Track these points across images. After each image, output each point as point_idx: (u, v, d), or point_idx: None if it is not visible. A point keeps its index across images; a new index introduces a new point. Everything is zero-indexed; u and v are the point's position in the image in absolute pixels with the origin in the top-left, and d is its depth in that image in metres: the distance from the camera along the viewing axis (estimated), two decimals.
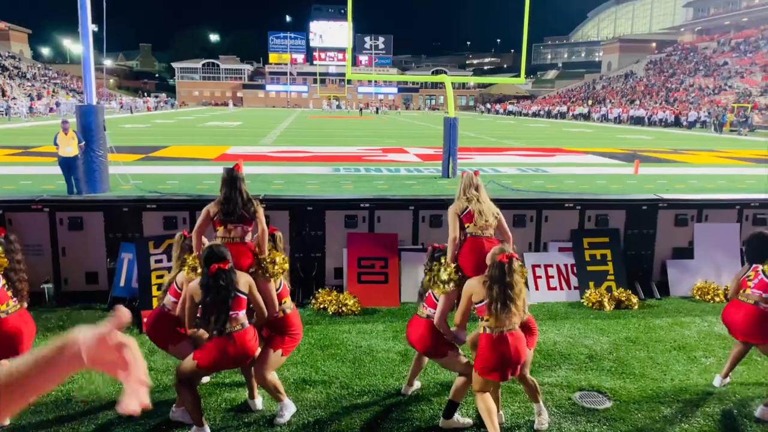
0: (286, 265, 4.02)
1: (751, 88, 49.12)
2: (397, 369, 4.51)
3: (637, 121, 47.89)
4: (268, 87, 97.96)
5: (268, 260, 3.88)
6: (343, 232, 6.19)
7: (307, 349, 4.81)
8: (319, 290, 5.92)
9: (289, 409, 3.88)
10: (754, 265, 4.07)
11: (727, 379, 4.30)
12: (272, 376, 3.84)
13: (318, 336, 5.13)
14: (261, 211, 3.96)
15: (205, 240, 3.91)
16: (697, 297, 6.26)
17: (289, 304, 3.91)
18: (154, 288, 5.51)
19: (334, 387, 4.21)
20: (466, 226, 4.05)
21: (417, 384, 4.20)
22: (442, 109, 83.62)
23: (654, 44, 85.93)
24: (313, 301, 5.83)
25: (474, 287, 3.51)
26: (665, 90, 59.81)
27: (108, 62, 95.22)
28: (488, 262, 3.49)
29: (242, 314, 3.56)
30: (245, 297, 3.57)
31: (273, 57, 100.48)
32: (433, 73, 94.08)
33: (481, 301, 3.47)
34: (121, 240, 5.93)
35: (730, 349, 4.35)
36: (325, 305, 5.73)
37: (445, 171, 14.24)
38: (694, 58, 67.20)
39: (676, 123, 44.26)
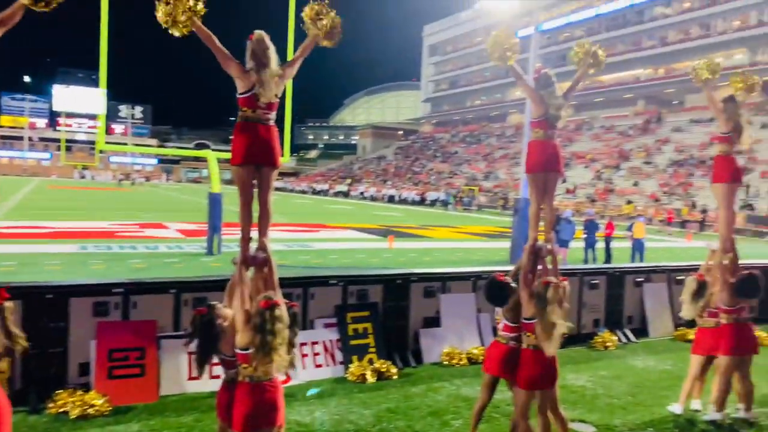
0: None
1: (476, 174, 57.83)
2: None
3: (390, 199, 52.63)
4: None
5: None
6: (92, 322, 5.53)
7: None
8: (59, 391, 5.13)
9: None
10: (497, 310, 4.69)
11: None
12: None
13: None
14: None
15: None
16: (445, 362, 6.92)
17: None
18: None
19: None
20: (242, 109, 3.74)
21: None
22: (206, 181, 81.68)
23: (401, 132, 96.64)
24: (51, 404, 5.01)
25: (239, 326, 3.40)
26: (411, 172, 67.16)
27: None
28: (252, 309, 3.42)
29: None
30: None
31: (6, 119, 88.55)
32: (195, 145, 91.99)
33: (245, 348, 3.34)
34: None
35: (473, 408, 4.85)
36: (67, 408, 4.97)
37: (209, 248, 13.80)
38: (433, 145, 77.14)
39: (421, 201, 49.63)
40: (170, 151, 62.68)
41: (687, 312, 5.46)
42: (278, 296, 3.54)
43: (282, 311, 3.35)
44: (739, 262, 5.57)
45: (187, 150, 56.93)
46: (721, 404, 5.35)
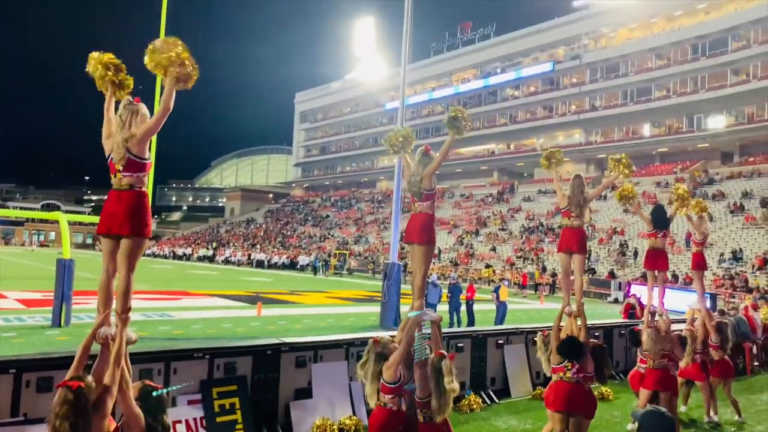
0: None
1: (347, 238, 58.58)
2: None
3: (259, 263, 51.35)
4: None
5: None
6: None
7: None
8: None
9: None
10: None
11: None
12: None
13: None
14: None
15: None
16: None
17: None
18: None
19: None
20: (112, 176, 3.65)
21: None
22: (54, 245, 74.62)
23: (271, 195, 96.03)
24: None
25: None
26: (282, 236, 66.44)
27: None
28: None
29: None
30: None
31: None
32: (43, 206, 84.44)
33: None
34: None
35: None
36: None
37: (56, 319, 12.50)
38: (304, 209, 77.28)
39: (292, 266, 49.01)
40: (12, 212, 56.46)
41: (543, 367, 5.98)
42: (115, 377, 3.33)
43: (72, 395, 3.04)
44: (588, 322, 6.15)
45: (31, 211, 51.88)
46: None
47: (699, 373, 7.91)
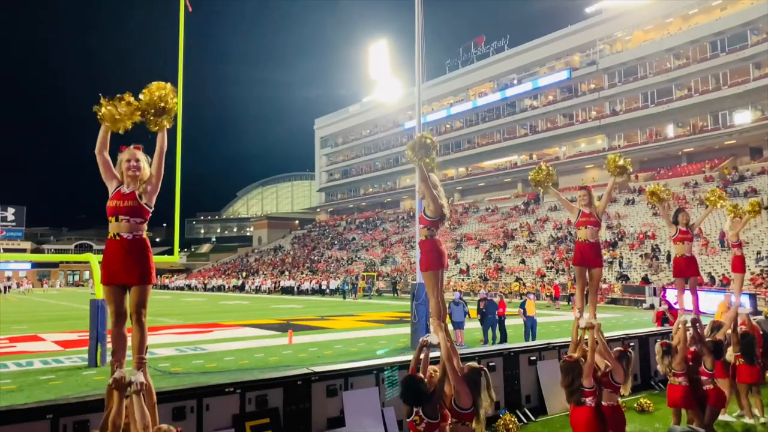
0: None
1: (374, 259, 58.57)
2: None
3: (288, 290, 51.59)
4: None
5: None
6: None
7: None
8: None
9: None
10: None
11: None
12: None
13: None
14: None
15: None
16: None
17: None
18: None
19: None
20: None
21: None
22: (88, 285, 76.07)
23: (297, 222, 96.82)
24: None
25: None
26: (309, 261, 66.75)
27: None
28: None
29: None
30: None
31: None
32: (76, 247, 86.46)
33: None
34: None
35: None
36: None
37: (92, 359, 12.72)
38: (330, 233, 77.63)
39: (320, 291, 49.11)
40: (45, 257, 58.05)
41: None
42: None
43: None
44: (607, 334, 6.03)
45: (64, 254, 53.23)
46: None
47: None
